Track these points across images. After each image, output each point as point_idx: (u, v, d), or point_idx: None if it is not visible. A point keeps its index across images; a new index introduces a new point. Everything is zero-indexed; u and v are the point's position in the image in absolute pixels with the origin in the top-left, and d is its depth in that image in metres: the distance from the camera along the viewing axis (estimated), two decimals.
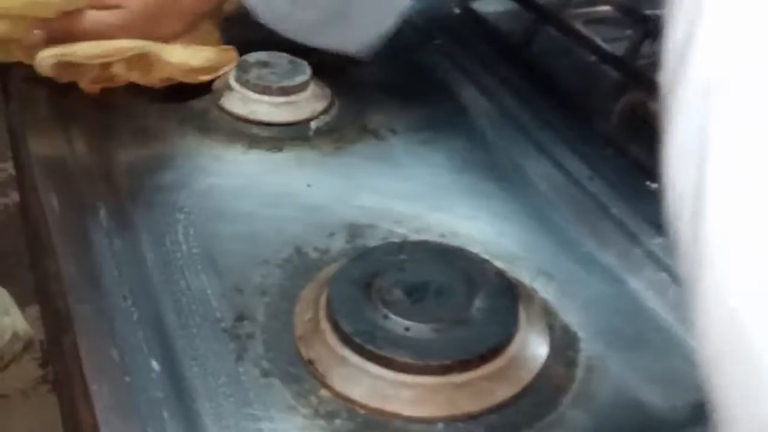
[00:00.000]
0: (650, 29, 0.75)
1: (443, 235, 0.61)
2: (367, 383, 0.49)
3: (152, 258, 0.58)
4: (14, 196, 1.05)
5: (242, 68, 0.74)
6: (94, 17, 0.71)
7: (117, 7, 0.72)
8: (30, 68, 0.71)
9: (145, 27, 0.73)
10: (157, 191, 0.65)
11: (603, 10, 0.84)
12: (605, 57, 0.76)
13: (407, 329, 0.50)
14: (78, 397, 0.49)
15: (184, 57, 0.73)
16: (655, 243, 0.62)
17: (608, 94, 0.75)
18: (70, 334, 0.52)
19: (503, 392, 0.50)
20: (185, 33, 0.76)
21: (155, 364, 0.50)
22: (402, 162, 0.71)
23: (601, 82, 0.79)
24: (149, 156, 0.69)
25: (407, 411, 0.48)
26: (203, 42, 0.76)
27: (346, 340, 0.50)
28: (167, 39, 0.74)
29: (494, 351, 0.50)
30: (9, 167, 1.03)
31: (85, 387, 0.48)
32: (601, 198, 0.66)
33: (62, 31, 0.71)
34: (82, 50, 0.70)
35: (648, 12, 0.78)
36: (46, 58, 0.69)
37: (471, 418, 0.49)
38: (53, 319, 0.57)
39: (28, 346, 0.70)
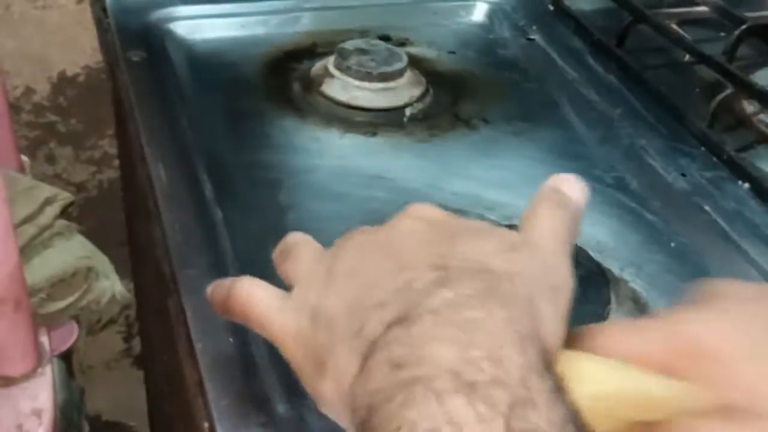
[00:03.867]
0: (748, 30, 0.75)
1: None
2: None
3: (254, 228, 0.60)
4: (109, 173, 1.08)
5: (341, 55, 0.77)
6: None
7: None
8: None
9: None
10: (258, 168, 0.67)
11: (699, 11, 0.84)
12: (701, 57, 0.76)
13: None
14: (183, 356, 0.51)
15: None
16: (745, 241, 0.62)
17: (702, 94, 0.75)
18: (176, 296, 0.54)
19: None
20: None
21: None
22: (493, 151, 0.72)
23: (695, 83, 0.80)
24: (250, 134, 0.71)
25: None
26: None
27: None
28: None
29: None
30: (105, 144, 1.06)
31: (190, 345, 0.50)
32: (693, 196, 0.66)
33: None
34: None
35: (746, 14, 0.79)
36: None
37: None
38: (158, 284, 0.60)
39: (125, 308, 0.74)
